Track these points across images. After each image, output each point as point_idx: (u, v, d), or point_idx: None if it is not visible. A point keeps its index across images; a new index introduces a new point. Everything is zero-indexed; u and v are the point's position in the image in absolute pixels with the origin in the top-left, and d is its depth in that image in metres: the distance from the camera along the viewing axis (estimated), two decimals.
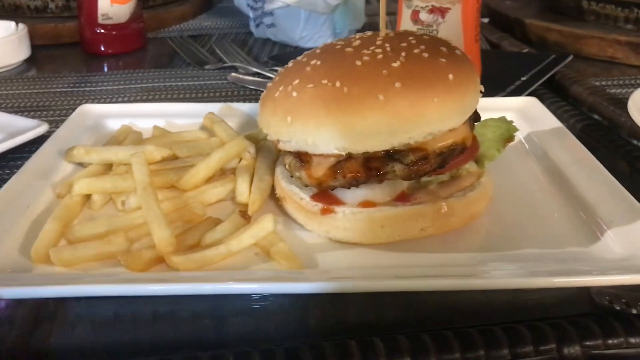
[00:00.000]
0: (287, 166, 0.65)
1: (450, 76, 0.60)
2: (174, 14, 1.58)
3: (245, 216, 0.66)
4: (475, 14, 1.02)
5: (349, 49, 0.63)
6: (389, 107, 0.57)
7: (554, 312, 0.54)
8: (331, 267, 0.60)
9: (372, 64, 0.60)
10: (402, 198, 0.63)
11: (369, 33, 0.68)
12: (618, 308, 0.54)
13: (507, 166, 0.75)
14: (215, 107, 0.89)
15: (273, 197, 0.70)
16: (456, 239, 0.63)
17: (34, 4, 1.47)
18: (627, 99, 0.85)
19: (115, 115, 0.90)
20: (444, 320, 0.54)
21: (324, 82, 0.60)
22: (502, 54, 1.22)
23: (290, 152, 0.64)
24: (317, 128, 0.59)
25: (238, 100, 1.07)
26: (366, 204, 0.62)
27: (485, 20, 1.47)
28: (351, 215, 0.62)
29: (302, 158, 0.63)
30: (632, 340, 0.51)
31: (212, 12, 1.73)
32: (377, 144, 0.59)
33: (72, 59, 1.36)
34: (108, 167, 0.75)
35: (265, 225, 0.61)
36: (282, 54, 1.33)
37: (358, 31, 1.38)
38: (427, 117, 0.58)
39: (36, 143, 0.85)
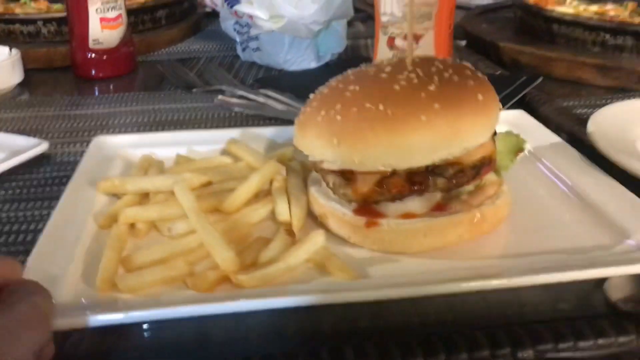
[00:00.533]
0: (330, 184, 0.70)
1: (480, 96, 0.67)
2: (163, 38, 1.60)
3: (291, 233, 0.70)
4: (447, 40, 1.11)
5: (383, 75, 0.69)
6: (431, 126, 0.64)
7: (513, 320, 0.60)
8: (382, 277, 0.64)
9: (410, 88, 0.66)
10: (439, 208, 0.68)
11: (394, 59, 0.74)
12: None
13: (513, 174, 0.79)
14: (231, 134, 0.93)
15: (309, 214, 0.75)
16: (487, 243, 0.69)
17: (27, 29, 1.48)
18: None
19: (131, 145, 0.92)
20: (409, 328, 0.60)
21: (368, 105, 0.65)
22: None
23: (332, 171, 0.69)
24: (363, 148, 0.65)
25: (224, 121, 1.11)
26: (407, 215, 0.68)
27: (463, 42, 1.56)
28: (396, 227, 0.67)
29: (347, 176, 0.68)
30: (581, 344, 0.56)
31: (200, 35, 1.76)
32: (420, 160, 0.65)
33: (64, 82, 1.37)
34: (143, 197, 0.77)
35: (316, 241, 0.65)
36: (267, 77, 1.37)
37: (340, 55, 1.45)
38: (463, 133, 0.65)
39: (36, 162, 0.91)
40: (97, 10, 1.30)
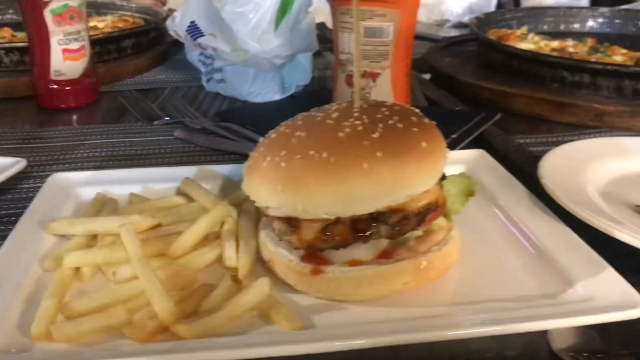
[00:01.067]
0: (275, 230, 0.69)
1: (424, 144, 0.68)
2: (127, 68, 1.59)
3: (237, 280, 0.69)
4: (405, 78, 1.12)
5: (329, 121, 0.69)
6: (373, 174, 0.64)
7: None
8: (328, 326, 0.64)
9: (354, 136, 0.66)
10: (385, 255, 0.68)
11: (343, 104, 0.74)
12: None
13: (467, 217, 0.80)
14: (188, 171, 0.92)
15: (258, 259, 0.74)
16: (434, 290, 0.69)
17: None
18: None
19: (87, 183, 0.91)
20: None
21: (311, 153, 0.65)
22: (436, 111, 1.29)
23: (278, 217, 0.69)
24: (307, 195, 0.64)
25: (181, 156, 1.11)
26: (353, 262, 0.67)
27: (427, 76, 1.57)
28: (340, 274, 0.66)
29: (292, 223, 0.67)
30: None
31: (167, 64, 1.76)
32: (363, 208, 0.65)
33: (26, 113, 1.36)
34: (92, 238, 0.76)
35: (261, 289, 0.65)
36: (229, 110, 1.37)
37: (306, 86, 1.46)
38: (406, 181, 0.65)
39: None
40: (59, 41, 1.29)
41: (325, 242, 0.66)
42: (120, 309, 0.63)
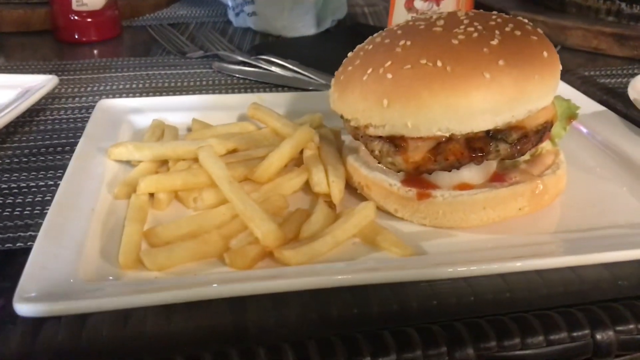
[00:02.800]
0: (376, 152, 0.62)
1: (545, 53, 0.61)
2: (148, 3, 1.50)
3: (332, 205, 0.63)
4: (470, 2, 1.04)
5: (437, 29, 0.62)
6: (495, 85, 0.57)
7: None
8: (439, 253, 0.58)
9: (471, 43, 0.59)
10: (498, 178, 0.62)
11: (444, 13, 0.67)
12: None
13: (562, 145, 0.74)
14: (244, 98, 0.86)
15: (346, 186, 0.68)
16: (544, 217, 0.64)
17: None
18: (616, 88, 0.87)
19: (139, 110, 0.84)
20: (469, 309, 0.52)
21: (423, 62, 0.58)
22: None
23: (379, 137, 0.62)
24: (418, 110, 0.57)
25: (225, 89, 1.03)
26: (462, 186, 0.61)
27: None
28: (452, 199, 0.60)
29: (396, 142, 0.60)
30: None
31: (186, 0, 1.66)
32: (482, 124, 0.58)
33: (44, 47, 1.26)
34: (160, 164, 0.69)
35: (366, 214, 0.59)
36: (266, 43, 1.29)
37: (340, 21, 1.38)
38: (529, 94, 0.59)
39: (21, 127, 0.86)
40: None
41: (436, 162, 0.59)
42: (215, 234, 0.56)
